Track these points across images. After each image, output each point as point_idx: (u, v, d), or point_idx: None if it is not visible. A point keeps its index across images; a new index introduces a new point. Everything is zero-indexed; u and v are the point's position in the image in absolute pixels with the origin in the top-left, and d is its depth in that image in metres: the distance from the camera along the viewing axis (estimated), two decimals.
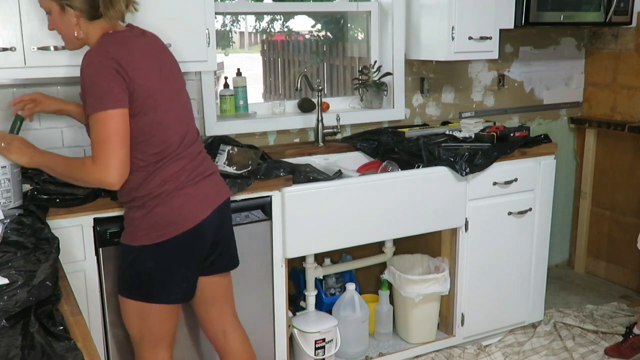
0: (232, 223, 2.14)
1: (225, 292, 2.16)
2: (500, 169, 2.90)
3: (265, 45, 4.73)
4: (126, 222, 1.96)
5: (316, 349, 2.70)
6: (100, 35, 1.86)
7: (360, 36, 3.48)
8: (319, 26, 3.72)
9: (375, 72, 3.23)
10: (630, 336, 2.96)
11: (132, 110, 1.80)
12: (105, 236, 2.16)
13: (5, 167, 1.98)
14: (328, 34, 3.76)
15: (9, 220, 1.85)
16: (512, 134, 2.99)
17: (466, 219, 2.88)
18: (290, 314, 2.71)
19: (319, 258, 2.95)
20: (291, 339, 2.71)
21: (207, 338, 2.23)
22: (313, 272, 2.82)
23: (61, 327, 1.28)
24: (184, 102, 1.99)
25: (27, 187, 2.13)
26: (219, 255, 2.07)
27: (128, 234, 1.94)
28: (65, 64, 2.19)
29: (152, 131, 1.84)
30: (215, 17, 2.71)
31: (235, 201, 2.38)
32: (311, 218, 2.52)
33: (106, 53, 1.77)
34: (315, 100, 3.07)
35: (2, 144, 1.93)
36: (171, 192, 1.88)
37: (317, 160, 2.98)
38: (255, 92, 4.00)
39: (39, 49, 2.15)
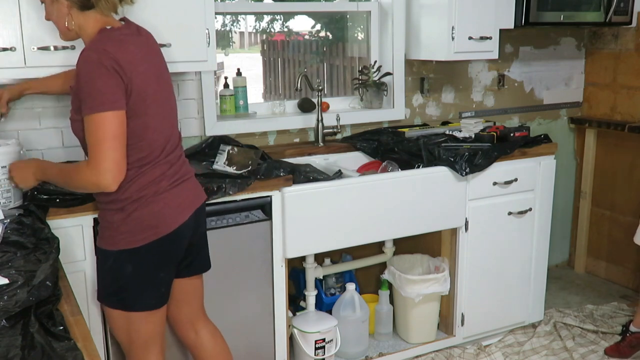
0: (206, 226, 2.14)
1: (197, 292, 2.16)
2: (500, 169, 2.90)
3: (265, 45, 4.73)
4: (103, 226, 1.92)
5: (316, 349, 2.70)
6: (96, 30, 1.83)
7: (360, 36, 3.48)
8: (319, 26, 3.72)
9: (375, 72, 3.23)
10: (628, 334, 2.96)
11: (126, 112, 1.77)
12: None
13: (5, 167, 1.99)
14: (328, 34, 3.76)
15: (9, 220, 1.85)
16: (512, 134, 2.99)
17: (466, 219, 2.88)
18: (290, 314, 2.71)
19: (319, 258, 2.95)
20: (291, 339, 2.71)
21: (178, 336, 2.22)
22: (313, 272, 2.82)
23: (61, 327, 1.28)
24: (172, 105, 1.98)
25: None
26: (194, 258, 2.07)
27: (106, 237, 1.90)
28: (65, 64, 2.19)
29: (141, 135, 1.82)
30: (215, 17, 2.71)
31: (235, 201, 2.38)
32: (311, 218, 2.52)
33: (104, 51, 1.72)
34: (315, 100, 3.07)
35: (16, 182, 1.99)
36: (150, 196, 1.86)
37: (317, 160, 2.98)
38: (255, 92, 4.00)
39: (39, 49, 2.15)
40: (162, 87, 1.90)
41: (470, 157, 2.77)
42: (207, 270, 2.18)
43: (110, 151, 1.72)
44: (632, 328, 2.95)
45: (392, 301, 3.06)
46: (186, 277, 2.09)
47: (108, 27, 1.84)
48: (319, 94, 3.04)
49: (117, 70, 1.72)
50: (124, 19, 1.94)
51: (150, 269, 1.90)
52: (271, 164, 2.48)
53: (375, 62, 3.26)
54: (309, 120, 3.11)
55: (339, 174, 2.70)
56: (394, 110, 3.31)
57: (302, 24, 3.83)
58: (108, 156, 1.72)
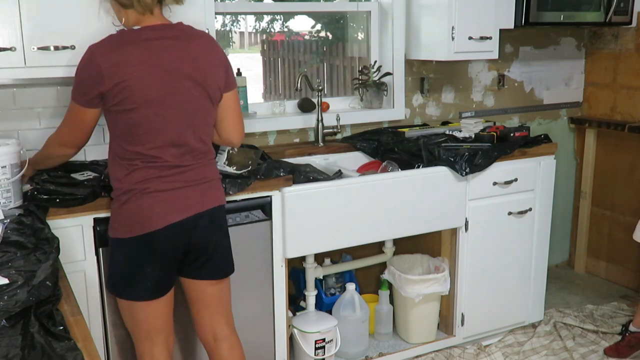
0: (222, 233, 2.11)
1: (215, 298, 2.15)
2: (500, 169, 2.90)
3: (265, 45, 4.72)
4: (110, 212, 2.04)
5: (316, 349, 2.70)
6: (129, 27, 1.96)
7: (360, 36, 3.48)
8: (319, 26, 3.72)
9: (375, 72, 3.23)
10: (627, 334, 2.96)
11: (110, 106, 1.88)
12: (105, 236, 2.15)
13: (5, 167, 1.99)
14: (328, 34, 3.76)
15: (9, 220, 1.85)
16: (512, 134, 2.99)
17: (466, 219, 2.88)
18: (290, 314, 2.71)
19: (319, 258, 2.95)
20: (291, 339, 2.71)
21: (200, 341, 2.23)
22: (313, 272, 2.82)
23: (61, 327, 1.28)
24: (188, 112, 1.94)
25: (27, 187, 2.13)
26: (205, 262, 2.07)
27: (110, 224, 2.01)
28: (65, 64, 2.19)
29: (130, 130, 1.89)
30: (215, 17, 2.71)
31: (235, 201, 2.38)
32: (311, 218, 2.52)
33: (91, 54, 1.86)
34: (315, 100, 3.07)
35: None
36: (140, 191, 1.90)
37: (317, 160, 2.98)
38: (255, 92, 4.00)
39: (39, 49, 2.15)
40: (172, 92, 1.90)
41: (470, 157, 2.77)
42: (223, 277, 2.14)
43: (63, 131, 2.04)
44: (632, 328, 2.95)
45: (392, 301, 3.06)
46: (198, 279, 2.10)
47: (135, 27, 1.93)
48: (319, 94, 3.04)
49: (93, 75, 1.84)
50: (161, 24, 1.95)
51: (136, 261, 1.95)
52: (271, 164, 2.48)
53: (375, 62, 3.26)
54: (309, 120, 3.11)
55: (339, 174, 2.70)
56: (394, 110, 3.31)
57: (302, 24, 3.82)
58: (60, 133, 2.05)
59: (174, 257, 2.00)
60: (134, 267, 1.95)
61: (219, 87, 2.01)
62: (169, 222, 1.92)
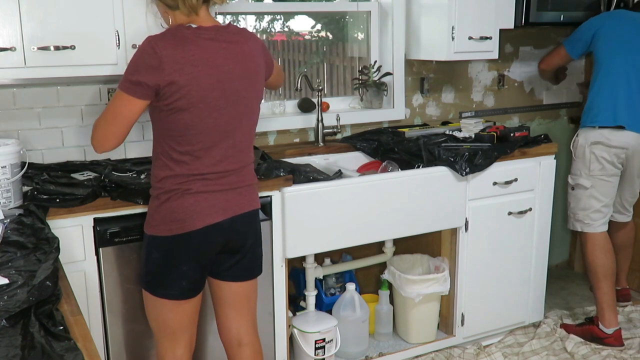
0: (256, 236, 2.12)
1: (242, 300, 2.15)
2: (500, 169, 2.90)
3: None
4: (148, 209, 2.02)
5: (316, 349, 2.70)
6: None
7: (360, 36, 3.48)
8: (319, 26, 3.72)
9: (375, 72, 3.23)
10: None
11: (163, 104, 1.85)
12: (105, 236, 2.16)
13: (6, 167, 1.99)
14: (328, 34, 3.76)
15: (9, 220, 1.85)
16: (512, 134, 2.99)
17: (466, 219, 2.88)
18: (290, 314, 2.71)
19: (319, 258, 2.95)
20: (291, 339, 2.71)
21: (222, 343, 2.22)
22: (313, 272, 2.82)
23: (61, 327, 1.28)
24: (238, 114, 1.96)
25: (27, 187, 2.13)
26: (235, 263, 2.08)
27: (146, 220, 2.01)
28: (65, 64, 2.19)
29: (181, 130, 1.88)
30: (216, 17, 2.70)
31: None
32: (311, 218, 2.52)
33: (153, 43, 1.82)
34: (315, 100, 3.07)
35: None
36: (183, 191, 1.91)
37: (317, 160, 2.98)
38: None
39: (39, 49, 2.15)
40: (224, 94, 1.90)
41: (470, 157, 2.77)
42: (248, 278, 2.14)
43: (106, 124, 1.90)
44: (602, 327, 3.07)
45: (392, 301, 3.05)
46: (227, 280, 2.11)
47: (191, 25, 1.90)
48: (319, 94, 3.04)
49: (153, 65, 1.80)
50: (214, 25, 1.94)
51: (173, 259, 1.95)
52: (271, 164, 2.48)
53: (375, 62, 3.26)
54: (309, 120, 3.11)
55: (339, 174, 2.70)
56: (394, 110, 3.31)
57: (302, 24, 3.82)
58: (101, 126, 1.92)
59: (210, 258, 2.02)
60: (170, 266, 1.96)
61: (262, 85, 2.07)
62: (208, 223, 1.94)
